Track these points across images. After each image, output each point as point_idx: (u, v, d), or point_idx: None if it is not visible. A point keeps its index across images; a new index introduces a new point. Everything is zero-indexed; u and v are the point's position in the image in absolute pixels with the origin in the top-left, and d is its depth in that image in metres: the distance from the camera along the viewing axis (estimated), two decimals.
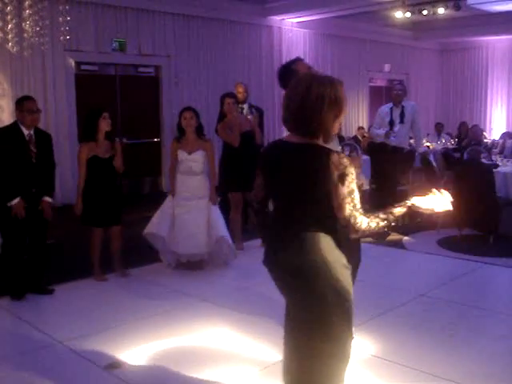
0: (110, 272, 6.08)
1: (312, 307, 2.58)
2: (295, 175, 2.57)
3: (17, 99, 5.63)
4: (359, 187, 2.54)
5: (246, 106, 7.63)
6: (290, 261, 2.58)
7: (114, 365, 4.05)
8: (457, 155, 10.75)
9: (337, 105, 2.55)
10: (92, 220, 5.83)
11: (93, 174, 5.76)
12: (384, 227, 2.63)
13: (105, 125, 5.77)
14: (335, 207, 2.52)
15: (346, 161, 2.48)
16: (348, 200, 2.50)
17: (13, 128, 5.46)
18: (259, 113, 7.66)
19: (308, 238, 2.56)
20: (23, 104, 5.45)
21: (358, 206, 2.54)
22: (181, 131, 6.09)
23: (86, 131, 5.83)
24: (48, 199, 5.55)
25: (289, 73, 3.87)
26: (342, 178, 2.47)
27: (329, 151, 2.50)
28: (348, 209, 2.51)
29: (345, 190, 2.49)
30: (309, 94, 2.50)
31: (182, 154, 6.06)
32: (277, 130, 13.48)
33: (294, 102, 2.53)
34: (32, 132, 5.47)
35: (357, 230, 2.54)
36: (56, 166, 5.75)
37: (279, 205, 2.73)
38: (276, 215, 2.74)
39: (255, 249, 6.60)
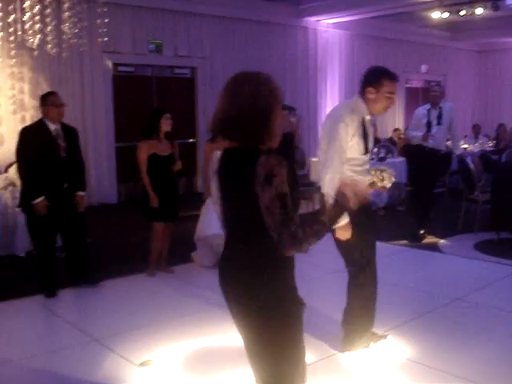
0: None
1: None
2: (231, 183, 2.34)
3: (42, 95, 5.70)
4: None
5: None
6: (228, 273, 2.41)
7: (147, 362, 4.09)
8: (495, 157, 10.61)
9: (279, 103, 2.31)
10: (156, 215, 5.93)
11: (153, 170, 5.86)
12: (321, 230, 2.23)
13: (166, 125, 5.93)
14: (263, 213, 2.19)
15: (274, 161, 2.17)
16: (277, 204, 2.16)
17: (38, 124, 5.52)
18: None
19: (243, 252, 2.34)
20: (47, 99, 5.52)
21: (291, 214, 2.19)
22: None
23: (148, 130, 5.93)
24: (81, 193, 5.64)
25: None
26: (270, 178, 2.15)
27: (260, 153, 2.21)
28: (278, 214, 2.16)
29: (273, 191, 2.15)
30: (258, 96, 2.25)
31: (217, 154, 6.07)
32: (311, 131, 13.45)
33: (238, 106, 2.25)
34: (59, 127, 5.54)
35: (292, 240, 2.17)
36: (84, 161, 5.87)
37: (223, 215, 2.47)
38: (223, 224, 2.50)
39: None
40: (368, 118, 3.94)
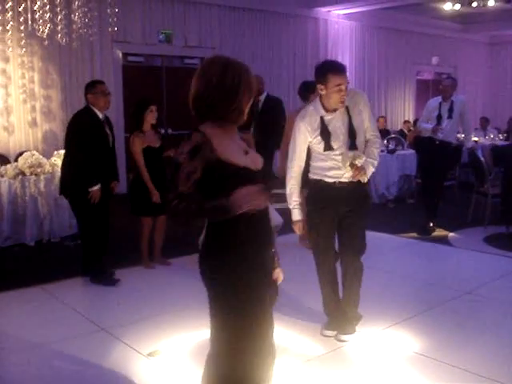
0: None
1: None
2: None
3: (88, 83, 5.68)
4: None
5: (262, 98, 7.63)
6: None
7: (155, 352, 4.10)
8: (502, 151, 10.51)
9: (250, 89, 2.43)
10: (143, 210, 5.92)
11: (148, 163, 5.82)
12: (215, 210, 2.33)
13: (151, 117, 5.86)
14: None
15: (199, 135, 2.35)
16: (191, 176, 2.33)
17: (90, 112, 5.49)
18: (276, 103, 7.65)
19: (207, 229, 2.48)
20: (97, 86, 5.53)
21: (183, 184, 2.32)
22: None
23: (133, 122, 5.92)
24: (115, 182, 5.80)
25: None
26: (195, 152, 2.32)
27: (198, 132, 2.39)
28: (189, 186, 2.32)
29: (192, 163, 2.32)
30: (225, 78, 2.36)
31: None
32: None
33: (206, 83, 2.36)
34: (103, 116, 5.58)
35: (171, 209, 2.34)
36: None
37: None
38: None
39: (293, 239, 6.62)
40: (329, 116, 4.01)
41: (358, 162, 3.91)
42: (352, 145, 4.01)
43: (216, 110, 2.37)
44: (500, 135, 13.00)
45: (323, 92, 3.95)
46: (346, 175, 4.01)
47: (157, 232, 6.11)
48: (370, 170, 4.07)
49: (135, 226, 6.20)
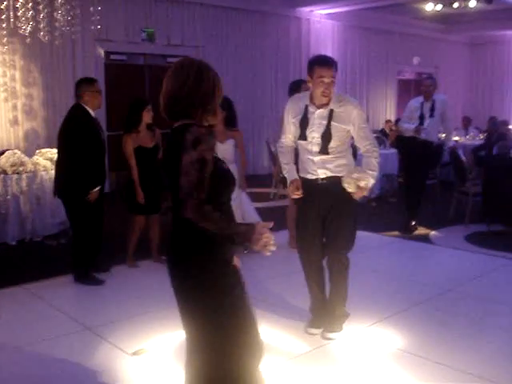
0: (142, 259, 6.17)
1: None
2: (166, 162, 2.48)
3: (83, 80, 5.55)
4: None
5: None
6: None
7: (140, 351, 4.09)
8: (482, 153, 10.62)
9: (222, 93, 2.51)
10: (137, 208, 5.92)
11: (139, 163, 5.82)
12: (231, 233, 2.33)
13: (148, 117, 5.88)
14: (180, 175, 2.26)
15: (203, 130, 2.34)
16: (196, 166, 2.24)
17: (83, 111, 5.40)
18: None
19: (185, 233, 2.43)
20: (94, 85, 5.46)
21: (207, 188, 2.27)
22: None
23: (130, 122, 5.88)
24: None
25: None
26: (195, 143, 2.26)
27: (191, 125, 2.37)
28: (194, 175, 2.24)
29: (194, 154, 2.24)
30: (203, 80, 2.41)
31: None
32: None
33: (187, 87, 2.40)
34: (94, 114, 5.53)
35: (196, 205, 2.25)
36: None
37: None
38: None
39: (282, 238, 6.64)
40: (313, 109, 4.08)
41: (362, 183, 3.95)
42: (323, 148, 4.04)
43: (192, 111, 2.41)
44: (480, 135, 13.14)
45: (310, 83, 4.08)
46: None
47: (152, 230, 6.13)
48: (371, 182, 4.08)
49: (121, 225, 6.18)
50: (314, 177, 4.13)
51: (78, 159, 5.30)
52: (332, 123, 4.03)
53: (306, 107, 4.11)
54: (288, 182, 4.24)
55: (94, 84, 5.49)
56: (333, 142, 4.04)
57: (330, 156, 4.06)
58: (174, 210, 2.47)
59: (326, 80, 3.96)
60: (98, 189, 5.42)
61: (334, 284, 4.30)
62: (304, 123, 4.10)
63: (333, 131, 4.03)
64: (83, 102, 5.40)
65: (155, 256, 6.19)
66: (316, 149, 4.07)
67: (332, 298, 4.34)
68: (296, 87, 6.08)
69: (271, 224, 2.39)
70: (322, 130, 4.04)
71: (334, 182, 4.07)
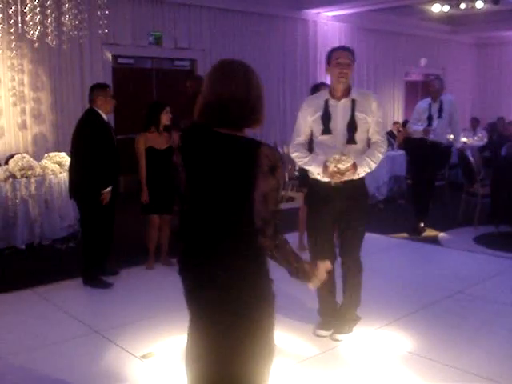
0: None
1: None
2: (217, 171, 2.26)
3: (96, 86, 5.72)
4: None
5: None
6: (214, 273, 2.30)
7: (149, 354, 4.10)
8: (486, 153, 10.60)
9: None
10: (151, 208, 5.95)
11: (150, 164, 5.89)
12: (294, 269, 2.33)
13: (166, 118, 5.98)
14: (255, 201, 2.19)
15: (277, 154, 2.25)
16: (274, 195, 2.21)
17: (97, 115, 5.53)
18: None
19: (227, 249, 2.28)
20: (108, 90, 5.62)
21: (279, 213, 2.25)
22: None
23: (148, 122, 5.95)
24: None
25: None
26: (274, 170, 2.19)
27: (260, 142, 2.22)
28: (273, 204, 2.21)
29: (274, 182, 2.19)
30: (251, 83, 2.30)
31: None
32: None
33: (247, 91, 2.26)
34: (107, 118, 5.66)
35: (273, 233, 2.22)
36: None
37: (194, 207, 2.35)
38: (191, 219, 2.37)
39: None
40: (334, 103, 4.08)
41: (342, 166, 3.89)
42: (350, 138, 4.03)
43: (242, 117, 2.26)
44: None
45: (328, 72, 4.11)
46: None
47: (162, 232, 6.15)
48: (364, 170, 4.04)
49: (133, 226, 6.19)
50: (328, 179, 4.05)
51: (92, 162, 5.40)
52: (356, 114, 4.04)
53: (327, 102, 4.09)
54: (314, 168, 4.07)
55: (107, 89, 5.64)
56: (359, 133, 4.04)
57: (357, 146, 4.04)
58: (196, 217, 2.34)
59: (342, 61, 4.00)
60: (109, 189, 5.48)
61: (349, 288, 4.29)
62: (326, 117, 4.08)
63: (357, 121, 4.04)
64: (96, 106, 5.53)
65: (164, 258, 6.19)
66: (342, 140, 4.04)
67: (346, 301, 4.32)
68: (316, 90, 6.07)
69: (331, 266, 2.40)
70: (347, 120, 4.04)
71: (350, 185, 4.04)
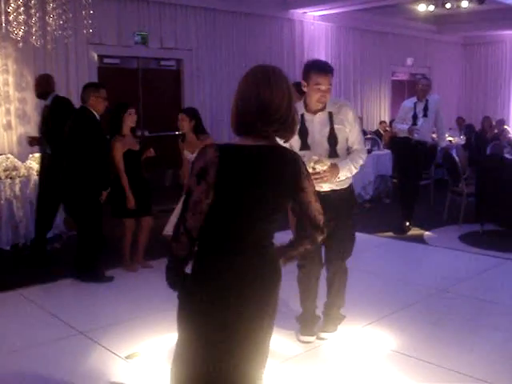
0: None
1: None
2: (272, 182, 2.28)
3: (89, 85, 5.73)
4: None
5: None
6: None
7: (133, 355, 4.09)
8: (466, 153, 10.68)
9: None
10: (125, 212, 5.90)
11: (127, 167, 5.84)
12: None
13: (130, 120, 5.89)
14: (307, 206, 2.40)
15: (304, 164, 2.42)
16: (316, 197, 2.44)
17: (90, 113, 5.51)
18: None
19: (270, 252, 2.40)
20: (101, 91, 5.60)
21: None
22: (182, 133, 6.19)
23: (112, 126, 5.90)
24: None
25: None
26: (309, 177, 2.42)
27: (295, 152, 2.47)
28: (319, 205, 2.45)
29: (313, 185, 2.45)
30: (289, 91, 2.31)
31: (187, 154, 6.07)
32: None
33: (279, 100, 2.26)
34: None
35: (322, 230, 2.49)
36: None
37: (238, 220, 2.30)
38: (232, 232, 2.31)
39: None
40: (310, 117, 4.00)
41: (319, 167, 3.82)
42: (332, 152, 3.98)
43: (289, 122, 2.30)
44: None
45: (305, 89, 3.99)
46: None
47: (142, 233, 6.10)
48: (344, 173, 3.96)
49: (113, 229, 6.18)
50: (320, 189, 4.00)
51: (92, 160, 5.44)
52: (335, 126, 3.98)
53: (302, 116, 3.98)
54: None
55: (101, 90, 5.63)
56: (339, 145, 4.01)
57: (339, 158, 3.98)
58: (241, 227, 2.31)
59: (323, 87, 3.88)
60: (108, 190, 5.59)
61: (335, 291, 4.30)
62: (303, 132, 3.99)
63: (337, 133, 3.99)
64: (89, 105, 5.54)
65: (140, 260, 6.16)
66: (323, 154, 3.96)
67: (330, 303, 4.34)
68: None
69: None
70: (326, 134, 3.98)
71: (337, 196, 4.03)
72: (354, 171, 4.05)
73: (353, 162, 4.01)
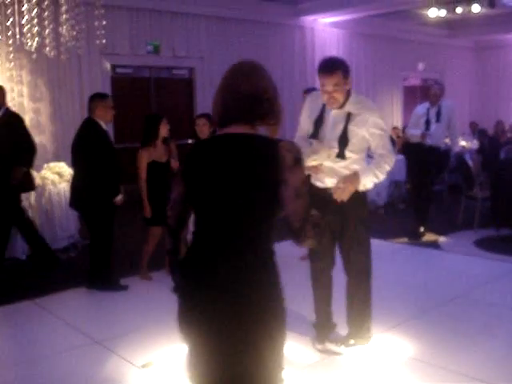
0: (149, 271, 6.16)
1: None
2: (242, 174, 2.15)
3: (96, 95, 5.77)
4: None
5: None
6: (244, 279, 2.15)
7: (149, 364, 4.10)
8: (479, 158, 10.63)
9: None
10: (155, 220, 5.91)
11: (152, 177, 5.89)
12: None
13: (164, 130, 5.97)
14: (288, 200, 2.10)
15: (297, 145, 2.18)
16: (306, 188, 2.15)
17: (97, 123, 5.58)
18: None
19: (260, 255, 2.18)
20: (107, 100, 5.68)
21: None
22: (197, 137, 6.18)
23: (147, 136, 5.94)
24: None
25: None
26: (299, 161, 2.13)
27: (276, 139, 2.20)
28: (307, 198, 2.14)
29: (302, 173, 2.16)
30: (269, 83, 2.34)
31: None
32: None
33: (273, 89, 2.32)
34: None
35: (313, 229, 2.15)
36: None
37: (218, 218, 2.20)
38: (210, 232, 2.22)
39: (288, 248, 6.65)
40: (336, 110, 3.87)
41: (311, 159, 3.78)
42: (340, 152, 3.83)
43: (271, 112, 2.28)
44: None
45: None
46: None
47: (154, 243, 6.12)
48: (369, 180, 3.85)
49: (131, 236, 6.19)
50: (322, 185, 3.96)
51: (96, 171, 5.46)
52: (349, 127, 3.82)
53: (324, 106, 3.92)
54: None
55: (107, 99, 5.71)
56: (349, 147, 3.83)
57: (346, 162, 3.85)
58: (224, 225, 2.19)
59: (328, 88, 3.76)
60: (120, 197, 5.62)
61: (349, 304, 4.20)
62: (319, 122, 3.92)
63: (350, 135, 3.82)
64: (95, 115, 5.59)
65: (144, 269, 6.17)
66: (333, 153, 3.86)
67: (348, 313, 4.24)
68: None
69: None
70: (338, 133, 3.83)
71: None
72: (381, 177, 3.90)
73: (377, 167, 3.86)
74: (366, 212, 4.14)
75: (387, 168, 3.91)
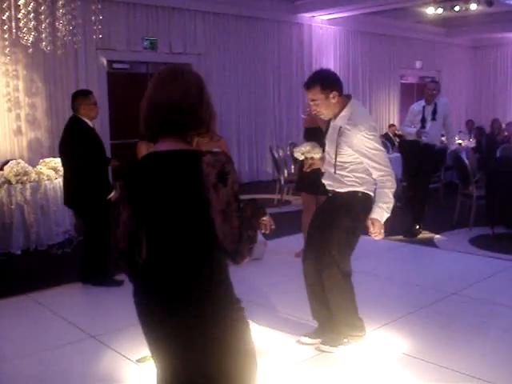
0: None
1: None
2: (170, 196, 2.00)
3: (78, 93, 5.70)
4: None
5: None
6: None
7: (144, 359, 4.10)
8: (476, 156, 10.66)
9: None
10: None
11: None
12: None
13: None
14: (216, 221, 1.93)
15: (223, 157, 1.97)
16: (234, 206, 1.94)
17: (82, 121, 5.54)
18: None
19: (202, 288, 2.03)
20: (90, 98, 5.59)
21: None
22: None
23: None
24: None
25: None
26: (223, 176, 1.92)
27: (200, 154, 1.98)
28: (236, 217, 1.94)
29: (229, 190, 1.93)
30: (202, 87, 2.12)
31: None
32: None
33: (199, 96, 2.08)
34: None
35: (249, 247, 1.98)
36: None
37: (156, 245, 2.10)
38: (153, 262, 2.13)
39: (284, 245, 6.65)
40: (333, 122, 3.96)
41: (309, 156, 3.98)
42: (335, 162, 3.90)
43: (191, 125, 2.06)
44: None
45: None
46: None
47: None
48: (385, 214, 3.90)
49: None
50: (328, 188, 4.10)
51: (86, 168, 5.45)
52: (340, 141, 3.84)
53: (329, 121, 4.07)
54: None
55: (90, 96, 5.60)
56: (339, 158, 3.86)
57: (340, 172, 3.89)
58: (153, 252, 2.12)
59: (310, 101, 3.94)
60: (113, 193, 5.55)
61: (328, 299, 4.12)
62: (326, 130, 4.09)
63: (340, 148, 3.85)
64: (80, 114, 5.54)
65: None
66: (327, 157, 4.01)
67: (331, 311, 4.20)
68: None
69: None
70: (333, 143, 3.90)
71: (336, 198, 3.98)
72: (391, 204, 3.90)
73: (382, 198, 3.86)
74: (352, 222, 3.98)
75: (391, 193, 3.88)
